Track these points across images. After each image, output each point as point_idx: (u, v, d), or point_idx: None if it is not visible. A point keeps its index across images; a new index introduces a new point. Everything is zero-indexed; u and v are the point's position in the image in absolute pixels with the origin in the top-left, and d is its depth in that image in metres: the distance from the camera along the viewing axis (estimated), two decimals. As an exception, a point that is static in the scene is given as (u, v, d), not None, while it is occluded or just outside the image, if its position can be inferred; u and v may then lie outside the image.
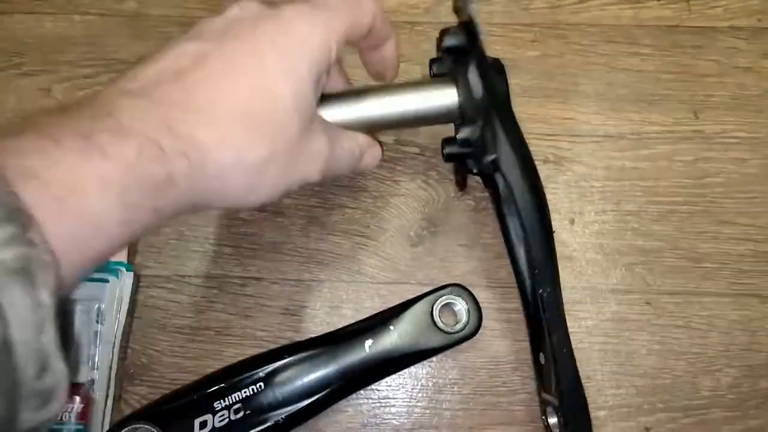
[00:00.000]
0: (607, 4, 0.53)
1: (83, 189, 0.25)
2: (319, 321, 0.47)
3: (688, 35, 0.52)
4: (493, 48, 0.52)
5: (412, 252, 0.49)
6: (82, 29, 0.55)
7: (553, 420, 0.42)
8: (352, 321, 0.47)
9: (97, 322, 0.46)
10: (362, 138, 0.39)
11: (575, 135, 0.50)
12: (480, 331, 0.45)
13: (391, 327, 0.44)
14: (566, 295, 0.46)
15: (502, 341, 0.47)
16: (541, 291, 0.40)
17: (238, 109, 0.30)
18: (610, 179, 0.49)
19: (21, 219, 0.22)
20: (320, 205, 0.50)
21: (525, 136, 0.45)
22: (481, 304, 0.46)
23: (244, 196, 0.32)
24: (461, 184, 0.48)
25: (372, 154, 0.40)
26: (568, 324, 0.46)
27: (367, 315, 0.47)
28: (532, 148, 0.45)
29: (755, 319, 0.46)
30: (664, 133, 0.50)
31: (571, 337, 0.45)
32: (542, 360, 0.42)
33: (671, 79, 0.51)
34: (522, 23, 0.53)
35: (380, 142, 0.41)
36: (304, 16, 0.32)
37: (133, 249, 0.49)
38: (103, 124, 0.27)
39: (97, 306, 0.46)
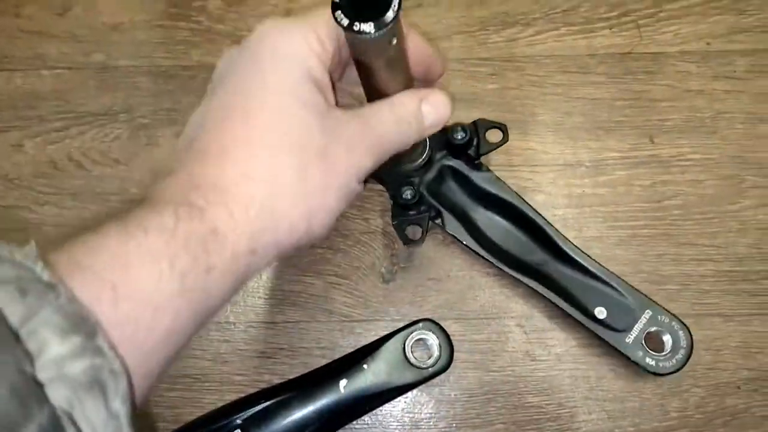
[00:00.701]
0: (562, 35, 0.55)
1: (133, 269, 0.25)
2: (297, 362, 0.48)
3: (641, 62, 0.54)
4: (453, 83, 0.54)
5: (383, 288, 0.50)
6: (51, 84, 0.56)
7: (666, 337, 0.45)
8: (328, 360, 0.48)
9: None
10: (408, 99, 0.35)
11: (535, 165, 0.52)
12: (453, 364, 0.46)
13: (365, 366, 0.45)
14: (535, 323, 0.48)
15: (475, 372, 0.48)
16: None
17: (246, 140, 0.30)
18: (571, 206, 0.51)
19: (86, 326, 0.23)
20: (292, 247, 0.51)
21: (489, 167, 0.49)
22: (452, 337, 0.47)
23: (304, 220, 0.31)
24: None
25: (434, 105, 0.36)
26: (538, 352, 0.47)
27: (343, 353, 0.48)
28: (495, 180, 0.48)
29: (718, 338, 0.47)
30: (622, 159, 0.51)
31: (541, 366, 0.47)
32: (600, 313, 0.45)
33: (626, 105, 0.53)
34: (480, 57, 0.55)
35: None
36: (275, 26, 0.32)
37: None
38: (136, 206, 0.28)
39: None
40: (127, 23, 0.58)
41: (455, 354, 0.46)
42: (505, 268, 0.47)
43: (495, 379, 0.47)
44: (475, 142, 0.47)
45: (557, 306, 0.46)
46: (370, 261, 0.50)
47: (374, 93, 0.35)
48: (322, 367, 0.47)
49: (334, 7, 0.28)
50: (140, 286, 0.25)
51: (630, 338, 0.44)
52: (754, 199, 0.50)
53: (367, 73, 0.34)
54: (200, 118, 0.32)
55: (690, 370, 0.47)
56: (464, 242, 0.47)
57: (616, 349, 0.44)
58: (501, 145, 0.47)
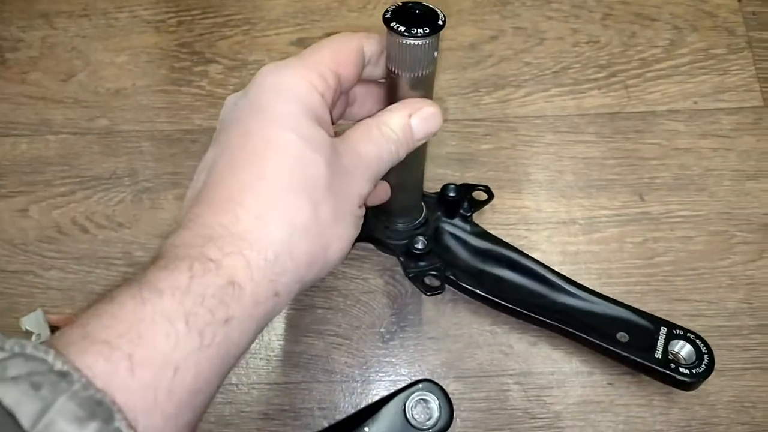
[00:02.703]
0: (552, 96, 0.56)
1: (149, 334, 0.25)
2: (299, 423, 0.49)
3: (630, 121, 0.55)
4: (448, 143, 0.56)
5: (383, 348, 0.51)
6: (56, 149, 0.58)
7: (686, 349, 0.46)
8: (330, 421, 0.48)
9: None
10: (396, 116, 0.35)
11: (531, 223, 0.53)
12: (452, 424, 0.47)
13: (366, 428, 0.46)
14: (533, 380, 0.49)
15: (475, 431, 0.48)
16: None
17: (255, 184, 0.30)
18: (566, 263, 0.52)
19: (103, 411, 0.23)
20: (293, 308, 0.52)
21: (485, 226, 0.51)
22: (452, 396, 0.47)
23: (321, 253, 0.32)
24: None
25: (423, 119, 0.36)
26: (537, 410, 0.48)
27: (344, 414, 0.48)
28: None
29: (712, 393, 0.48)
30: (613, 216, 0.53)
31: (540, 424, 0.48)
32: (622, 338, 0.46)
33: (616, 164, 0.54)
34: (474, 118, 0.56)
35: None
36: (272, 70, 0.33)
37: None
38: (152, 266, 0.28)
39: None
40: (129, 88, 0.59)
41: (455, 413, 0.47)
42: (525, 312, 0.48)
43: (495, 438, 0.48)
44: (465, 203, 0.51)
45: (585, 339, 0.47)
46: (369, 321, 0.51)
47: None
48: (324, 429, 0.47)
49: (389, 20, 0.32)
50: (157, 350, 0.25)
51: (658, 354, 0.46)
52: (743, 255, 0.51)
53: (398, 91, 0.36)
54: (207, 165, 0.33)
55: (686, 426, 0.48)
56: (479, 292, 0.48)
57: (649, 368, 0.45)
58: (488, 203, 0.50)
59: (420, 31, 0.32)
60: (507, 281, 0.49)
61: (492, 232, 0.53)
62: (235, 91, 0.58)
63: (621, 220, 0.53)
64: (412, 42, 0.32)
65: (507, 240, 0.52)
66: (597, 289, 0.51)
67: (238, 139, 0.32)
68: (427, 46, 0.32)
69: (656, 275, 0.51)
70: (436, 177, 0.55)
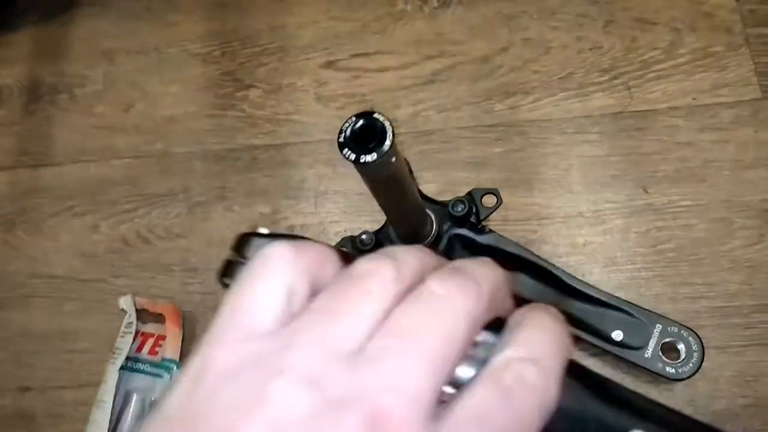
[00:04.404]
0: (558, 100, 0.61)
1: None
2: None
3: (632, 119, 0.59)
4: (463, 148, 0.61)
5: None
6: (120, 171, 0.66)
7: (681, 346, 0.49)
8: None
9: (151, 423, 0.55)
10: None
11: (542, 218, 0.58)
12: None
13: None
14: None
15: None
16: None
17: None
18: (575, 254, 0.56)
19: None
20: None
21: (500, 223, 0.57)
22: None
23: None
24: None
25: None
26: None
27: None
28: (507, 234, 0.54)
29: (714, 369, 0.52)
30: (619, 209, 0.57)
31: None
32: (617, 336, 0.50)
33: (620, 160, 0.58)
34: (486, 125, 0.62)
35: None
36: None
37: (186, 348, 0.58)
38: None
39: (153, 398, 0.56)
40: (181, 115, 0.67)
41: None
42: None
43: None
44: (474, 210, 0.53)
45: (578, 338, 0.51)
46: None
47: (387, 204, 0.43)
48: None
49: (341, 146, 0.35)
50: None
51: (648, 353, 0.49)
52: (743, 239, 0.55)
53: (378, 188, 0.41)
54: None
55: (689, 400, 0.51)
56: None
57: (638, 365, 0.49)
58: (497, 208, 0.53)
59: (368, 157, 0.34)
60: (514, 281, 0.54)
61: (506, 227, 0.58)
62: (272, 112, 0.65)
63: (626, 211, 0.57)
64: (366, 165, 0.35)
65: (520, 234, 0.57)
66: (603, 276, 0.55)
67: None
68: (379, 163, 0.35)
69: (660, 261, 0.55)
70: (452, 180, 0.60)
